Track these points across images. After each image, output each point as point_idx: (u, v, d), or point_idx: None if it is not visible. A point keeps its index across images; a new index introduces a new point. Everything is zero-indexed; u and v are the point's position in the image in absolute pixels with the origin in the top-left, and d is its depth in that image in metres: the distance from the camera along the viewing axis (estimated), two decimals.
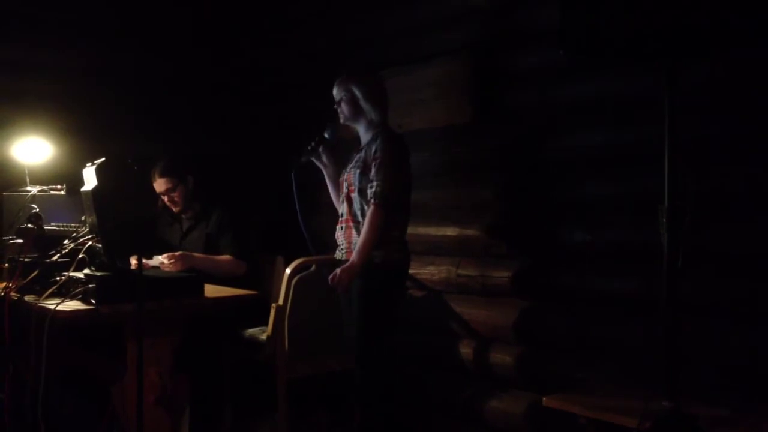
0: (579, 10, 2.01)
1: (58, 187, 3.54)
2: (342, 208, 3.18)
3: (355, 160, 3.14)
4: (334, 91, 3.19)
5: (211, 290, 2.98)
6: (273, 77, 4.78)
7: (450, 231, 3.52)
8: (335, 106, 3.21)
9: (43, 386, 2.55)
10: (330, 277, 2.99)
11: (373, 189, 2.98)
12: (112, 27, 4.33)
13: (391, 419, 3.14)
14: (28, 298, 2.74)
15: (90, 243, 2.82)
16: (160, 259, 3.44)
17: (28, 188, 3.55)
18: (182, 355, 2.88)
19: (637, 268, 2.83)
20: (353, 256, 2.98)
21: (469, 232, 3.43)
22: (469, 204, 3.47)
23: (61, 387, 2.98)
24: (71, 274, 2.74)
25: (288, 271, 3.41)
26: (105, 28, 4.32)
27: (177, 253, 3.48)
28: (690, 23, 1.87)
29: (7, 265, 3.01)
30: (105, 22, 4.31)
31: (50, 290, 2.72)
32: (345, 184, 3.16)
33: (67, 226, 3.12)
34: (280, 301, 3.38)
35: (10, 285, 2.80)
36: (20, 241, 2.98)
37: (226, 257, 3.67)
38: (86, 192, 2.82)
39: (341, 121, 3.22)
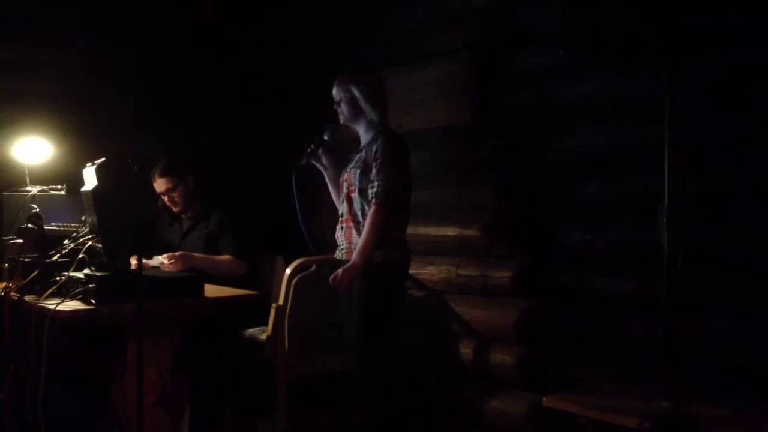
0: (579, 10, 2.00)
1: (58, 187, 3.54)
2: (342, 208, 3.18)
3: (356, 160, 3.14)
4: (334, 92, 3.19)
5: (211, 290, 2.98)
6: (273, 77, 4.78)
7: (450, 231, 3.52)
8: (335, 107, 3.21)
9: (43, 386, 2.55)
10: (331, 277, 2.99)
11: (374, 189, 2.98)
12: (112, 27, 4.33)
13: (391, 419, 3.14)
14: (28, 298, 2.74)
15: (90, 243, 2.82)
16: (160, 259, 3.44)
17: (28, 188, 3.55)
18: (182, 355, 2.88)
19: (637, 268, 2.83)
20: (354, 257, 2.98)
21: (469, 232, 3.43)
22: (469, 204, 3.47)
23: (61, 387, 2.98)
24: (71, 274, 2.74)
25: (288, 271, 3.41)
26: (105, 28, 4.32)
27: (177, 253, 3.48)
28: (690, 23, 1.87)
29: (7, 265, 3.01)
30: (105, 22, 4.31)
31: (50, 290, 2.72)
32: (345, 184, 3.16)
33: (67, 226, 3.12)
34: (280, 301, 3.38)
35: (10, 285, 2.80)
36: (20, 241, 2.98)
37: (226, 257, 3.67)
38: (86, 192, 2.82)
39: (341, 121, 3.22)
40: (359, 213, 3.08)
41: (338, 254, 3.19)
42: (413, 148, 3.17)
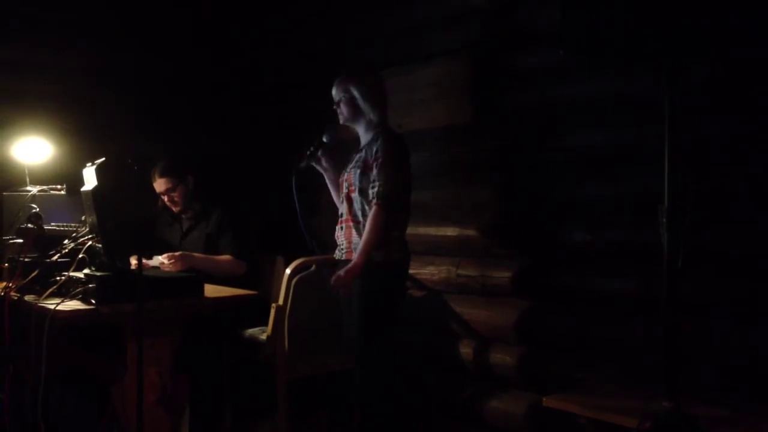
0: (579, 10, 2.00)
1: (58, 187, 3.54)
2: (342, 208, 3.18)
3: (355, 160, 3.14)
4: (333, 92, 3.19)
5: (211, 290, 2.98)
6: (273, 77, 4.78)
7: (450, 231, 3.52)
8: (334, 107, 3.21)
9: (43, 386, 2.55)
10: (333, 278, 2.99)
11: (375, 189, 2.98)
12: (112, 27, 4.33)
13: (391, 419, 3.14)
14: (28, 298, 2.74)
15: (90, 243, 2.82)
16: (160, 259, 3.44)
17: (28, 188, 3.55)
18: (182, 355, 2.88)
19: (637, 268, 2.83)
20: (355, 257, 2.98)
21: (469, 232, 3.43)
22: (469, 204, 3.47)
23: (61, 387, 2.97)
24: (71, 274, 2.74)
25: (288, 271, 3.41)
26: (105, 28, 4.32)
27: (177, 253, 3.47)
28: (690, 23, 1.87)
29: (7, 265, 3.01)
30: (105, 22, 4.31)
31: (50, 290, 2.72)
32: (345, 185, 3.16)
33: (67, 226, 3.12)
34: (280, 301, 3.38)
35: (10, 285, 2.80)
36: (20, 241, 2.98)
37: (226, 257, 3.67)
38: (86, 192, 2.82)
39: (341, 121, 3.22)
40: (359, 213, 3.08)
41: (338, 254, 3.19)
42: (413, 148, 3.17)
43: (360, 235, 3.03)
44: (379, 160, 2.99)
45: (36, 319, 2.58)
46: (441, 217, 3.57)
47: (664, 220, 2.00)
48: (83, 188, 2.86)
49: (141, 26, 4.40)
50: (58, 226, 3.16)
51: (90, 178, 2.81)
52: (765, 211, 2.54)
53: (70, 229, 3.05)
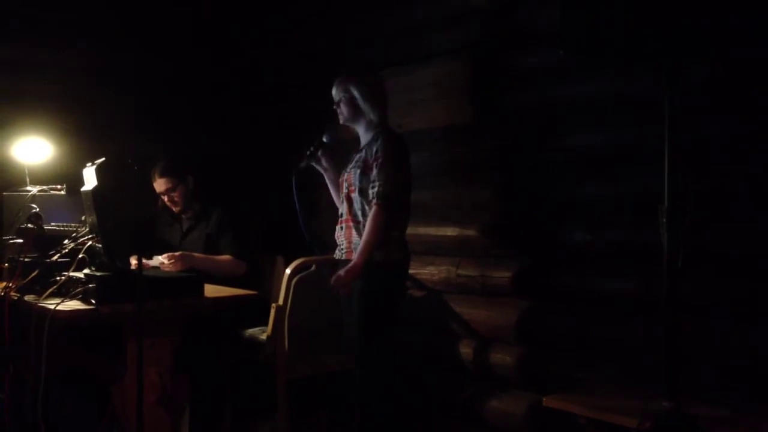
0: (579, 10, 2.00)
1: (58, 187, 3.54)
2: (342, 208, 3.18)
3: (355, 160, 3.14)
4: (333, 92, 3.19)
5: (211, 290, 2.98)
6: (273, 77, 4.78)
7: (450, 231, 3.52)
8: (334, 107, 3.21)
9: (43, 386, 2.55)
10: (333, 278, 2.99)
11: (376, 189, 2.98)
12: (112, 27, 4.33)
13: (391, 419, 3.14)
14: (28, 298, 2.74)
15: (90, 243, 2.82)
16: (160, 259, 3.44)
17: (28, 188, 3.55)
18: (182, 355, 2.88)
19: (637, 268, 2.83)
20: (356, 257, 2.98)
21: (469, 232, 3.43)
22: (469, 204, 3.47)
23: (61, 387, 2.97)
24: (71, 274, 2.74)
25: (288, 271, 3.41)
26: (105, 28, 4.32)
27: (177, 253, 3.47)
28: (690, 23, 1.87)
29: (7, 265, 3.01)
30: (105, 22, 4.31)
31: (50, 290, 2.72)
32: (345, 185, 3.16)
33: (67, 226, 3.12)
34: (280, 301, 3.38)
35: (10, 285, 2.80)
36: (20, 241, 2.98)
37: (226, 257, 3.67)
38: (86, 192, 2.82)
39: (341, 121, 3.22)
40: (359, 213, 3.08)
41: (338, 254, 3.19)
42: (413, 148, 3.17)
43: (360, 235, 3.03)
44: (379, 160, 2.99)
45: (36, 319, 2.58)
46: (441, 217, 3.57)
47: (664, 220, 2.00)
48: (83, 188, 2.86)
49: (141, 26, 4.40)
50: (58, 226, 3.16)
51: (90, 178, 2.81)
52: (765, 211, 2.54)
53: (70, 229, 3.05)
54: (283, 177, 3.30)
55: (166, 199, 3.82)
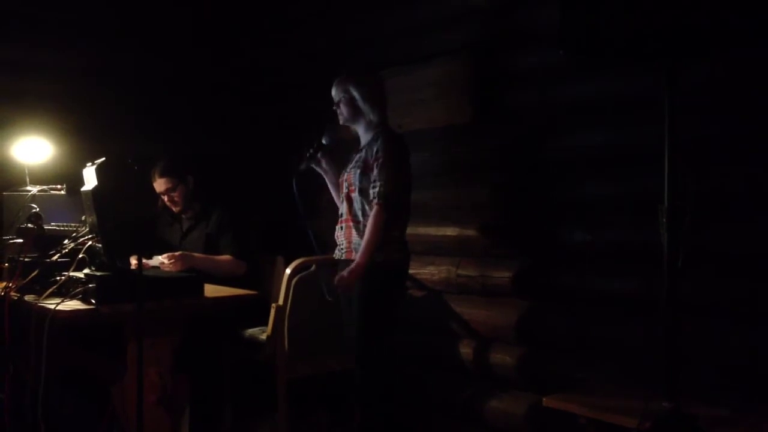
0: (579, 10, 2.00)
1: (58, 187, 3.54)
2: (342, 208, 3.18)
3: (355, 160, 3.14)
4: (333, 93, 3.19)
5: (211, 290, 2.98)
6: (273, 77, 4.78)
7: (450, 231, 3.52)
8: (334, 107, 3.21)
9: (43, 386, 2.55)
10: (336, 278, 2.99)
11: (376, 189, 2.98)
12: (112, 27, 4.33)
13: (391, 419, 3.14)
14: (28, 298, 2.74)
15: (90, 243, 2.82)
16: (160, 259, 3.44)
17: (28, 188, 3.55)
18: (182, 355, 2.88)
19: (637, 268, 2.83)
20: (357, 257, 2.98)
21: (469, 232, 3.43)
22: (469, 204, 3.47)
23: (61, 387, 2.97)
24: (71, 274, 2.74)
25: (288, 271, 3.41)
26: (105, 28, 4.32)
27: (177, 253, 3.47)
28: (690, 23, 1.87)
29: (7, 265, 3.01)
30: (105, 22, 4.31)
31: (50, 290, 2.72)
32: (345, 185, 3.16)
33: (67, 226, 3.12)
34: (280, 301, 3.38)
35: (10, 285, 2.80)
36: (20, 241, 2.98)
37: (226, 257, 3.67)
38: (86, 192, 2.82)
39: (340, 122, 3.22)
40: (359, 213, 3.08)
41: (338, 254, 3.19)
42: (413, 148, 3.17)
43: (360, 234, 3.03)
44: (380, 160, 2.99)
45: (36, 319, 2.58)
46: (441, 217, 3.57)
47: (664, 220, 2.00)
48: (83, 188, 2.86)
49: (141, 26, 4.40)
50: (58, 226, 3.16)
51: (90, 178, 2.81)
52: (765, 211, 2.54)
53: (70, 229, 3.05)
54: (283, 177, 3.29)
55: (166, 199, 3.82)
